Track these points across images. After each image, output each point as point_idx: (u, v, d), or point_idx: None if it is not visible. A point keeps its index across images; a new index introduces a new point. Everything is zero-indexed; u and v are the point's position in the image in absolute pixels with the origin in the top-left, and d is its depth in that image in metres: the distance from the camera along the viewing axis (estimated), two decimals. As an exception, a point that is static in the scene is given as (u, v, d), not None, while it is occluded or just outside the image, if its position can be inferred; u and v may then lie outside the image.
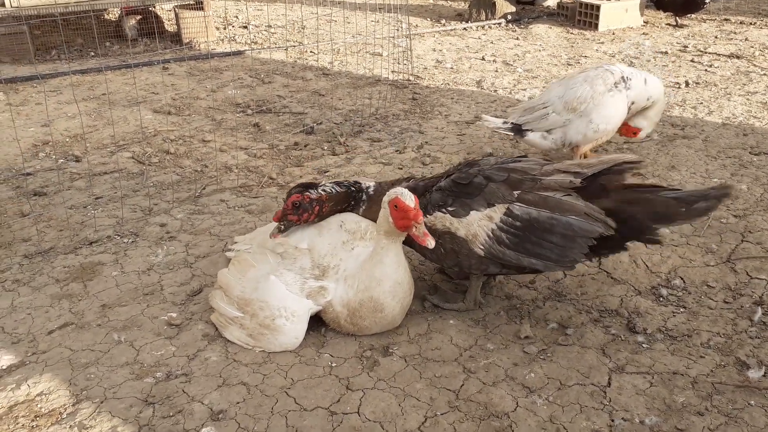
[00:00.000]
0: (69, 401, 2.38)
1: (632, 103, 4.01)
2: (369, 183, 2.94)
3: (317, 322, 2.73)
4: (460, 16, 9.03)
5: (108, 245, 3.44)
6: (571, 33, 8.03)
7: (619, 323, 2.81)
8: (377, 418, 2.30)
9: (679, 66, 6.55)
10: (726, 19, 8.45)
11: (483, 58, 7.00)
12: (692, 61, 6.71)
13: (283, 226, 2.83)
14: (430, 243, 2.44)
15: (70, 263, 3.27)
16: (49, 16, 6.73)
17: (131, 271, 3.20)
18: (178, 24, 7.55)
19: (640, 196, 2.57)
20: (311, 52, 7.30)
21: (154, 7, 7.89)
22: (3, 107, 5.46)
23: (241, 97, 5.77)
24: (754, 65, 6.51)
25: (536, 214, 2.53)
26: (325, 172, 4.26)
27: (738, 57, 6.79)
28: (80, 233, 3.55)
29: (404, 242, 2.66)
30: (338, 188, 2.86)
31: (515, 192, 2.59)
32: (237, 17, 8.92)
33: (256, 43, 7.67)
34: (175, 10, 7.60)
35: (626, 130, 4.23)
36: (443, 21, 8.80)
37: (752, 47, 7.12)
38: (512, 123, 4.10)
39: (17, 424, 2.28)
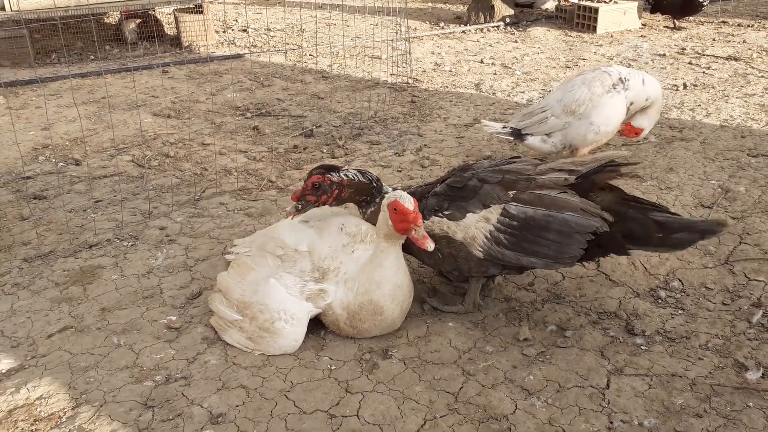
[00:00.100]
0: (68, 405, 2.39)
1: (631, 103, 4.05)
2: (389, 189, 2.93)
3: (316, 324, 2.73)
4: (458, 19, 9.05)
5: (108, 248, 3.44)
6: (570, 36, 8.05)
7: (618, 325, 2.81)
8: (376, 421, 2.31)
9: (677, 68, 6.56)
10: (724, 22, 8.47)
11: (481, 61, 7.01)
12: (690, 63, 6.72)
13: (300, 206, 2.82)
14: (430, 245, 2.45)
15: (69, 267, 3.28)
16: (49, 19, 6.73)
17: (131, 275, 3.20)
18: (177, 27, 7.56)
19: (621, 210, 2.56)
20: (310, 55, 7.32)
21: (154, 10, 7.91)
22: (3, 111, 5.46)
23: (240, 101, 5.78)
24: (752, 67, 6.53)
25: (532, 213, 2.54)
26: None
27: (736, 59, 6.80)
28: (80, 236, 3.56)
29: (402, 248, 2.66)
30: (361, 177, 2.83)
31: (510, 192, 2.59)
32: (236, 21, 8.94)
33: (255, 46, 7.69)
34: (174, 14, 7.61)
35: (628, 130, 4.27)
36: (442, 24, 8.82)
37: (750, 49, 7.14)
38: (512, 127, 4.13)
39: (16, 428, 2.28)
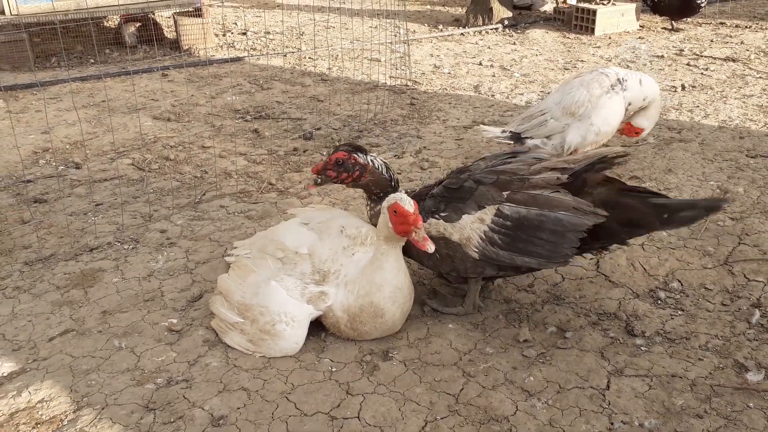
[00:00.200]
0: (70, 408, 2.39)
1: (629, 104, 4.08)
2: (402, 191, 2.93)
3: (317, 326, 2.74)
4: (457, 22, 9.07)
5: (108, 252, 3.45)
6: (568, 38, 8.07)
7: (618, 326, 2.82)
8: (377, 423, 2.31)
9: (675, 70, 6.58)
10: (721, 23, 8.49)
11: (480, 63, 7.03)
12: (688, 64, 6.74)
13: (320, 180, 2.82)
14: (430, 247, 2.46)
15: (70, 270, 3.28)
16: (49, 23, 6.75)
17: (132, 278, 3.21)
18: (177, 31, 7.58)
19: (615, 200, 2.57)
20: (309, 58, 7.33)
21: (154, 14, 7.92)
22: (3, 115, 5.47)
23: (240, 103, 5.79)
24: (750, 68, 6.54)
25: (525, 213, 2.55)
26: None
27: (734, 60, 6.82)
28: (81, 240, 3.56)
29: (402, 251, 2.67)
30: (385, 172, 2.83)
31: (504, 193, 2.61)
32: (236, 24, 8.96)
33: (254, 49, 7.70)
34: (174, 17, 7.63)
35: (628, 130, 4.29)
36: (441, 26, 8.84)
37: (748, 50, 7.16)
38: (511, 131, 4.15)
39: (18, 431, 2.29)
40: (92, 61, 7.25)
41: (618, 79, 4.03)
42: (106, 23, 8.44)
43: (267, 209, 3.89)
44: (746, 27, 8.27)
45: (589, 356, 2.63)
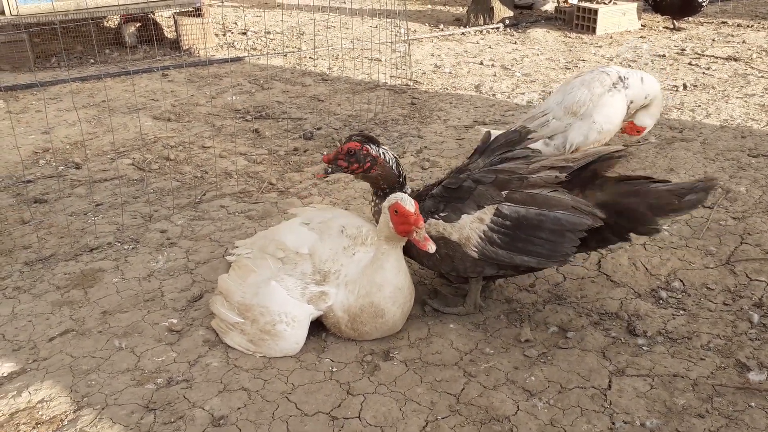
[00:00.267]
0: (70, 408, 2.38)
1: (631, 102, 4.09)
2: (408, 190, 2.93)
3: (317, 326, 2.73)
4: (458, 21, 9.07)
5: (108, 252, 3.44)
6: (569, 37, 8.05)
7: (619, 326, 2.81)
8: (378, 423, 2.30)
9: (677, 69, 6.57)
10: (723, 22, 8.48)
11: (481, 63, 7.02)
12: (690, 64, 6.73)
13: (330, 169, 2.82)
14: (431, 247, 2.45)
15: (70, 270, 3.28)
16: (49, 24, 6.75)
17: (132, 278, 3.20)
18: (177, 31, 7.57)
19: (634, 188, 2.58)
20: (310, 57, 7.33)
21: (153, 14, 7.92)
22: (3, 115, 5.47)
23: (240, 103, 5.79)
24: (752, 68, 6.53)
25: (524, 212, 2.55)
26: (325, 177, 4.27)
27: (735, 60, 6.81)
28: (81, 240, 3.56)
29: (402, 251, 2.66)
30: (395, 166, 2.82)
31: (503, 192, 2.60)
32: (236, 24, 8.96)
33: (255, 49, 7.70)
34: (174, 17, 7.63)
35: (630, 128, 4.30)
36: (441, 26, 8.83)
37: (750, 50, 7.15)
38: None
39: (18, 431, 2.28)
40: (92, 61, 7.24)
41: (619, 78, 4.03)
42: (106, 23, 8.44)
43: (267, 209, 3.88)
44: (748, 26, 8.25)
45: (590, 356, 2.62)
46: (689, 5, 7.86)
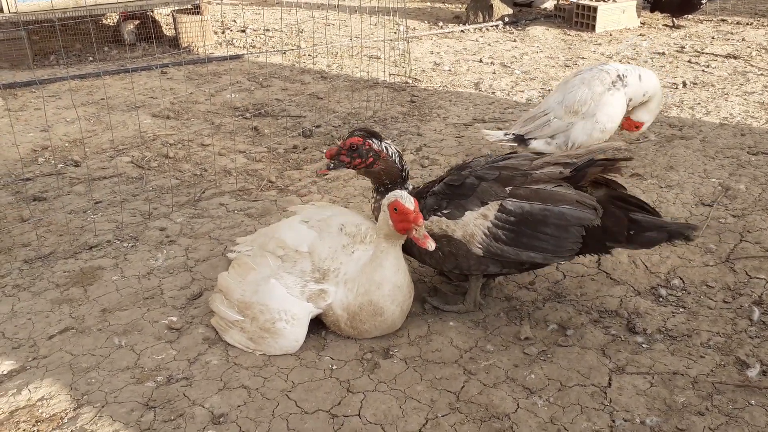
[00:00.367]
0: (70, 406, 2.38)
1: (630, 99, 4.09)
2: (410, 186, 2.92)
3: (317, 324, 2.73)
4: (457, 19, 9.05)
5: (108, 250, 3.44)
6: (569, 35, 8.05)
7: (619, 324, 2.81)
8: (378, 421, 2.30)
9: (677, 67, 6.57)
10: (723, 20, 8.47)
11: (481, 61, 7.01)
12: (689, 61, 6.73)
13: (332, 165, 2.80)
14: (431, 245, 2.45)
15: (70, 268, 3.27)
16: (48, 21, 6.72)
17: (131, 276, 3.20)
18: (176, 28, 7.56)
19: (604, 206, 2.56)
20: (309, 55, 7.31)
21: (152, 11, 7.90)
22: (2, 113, 5.46)
23: (239, 101, 5.78)
24: (751, 65, 6.53)
25: (529, 207, 2.54)
26: (325, 175, 4.27)
27: (735, 57, 6.81)
28: (80, 238, 3.56)
29: (402, 249, 2.66)
30: (398, 161, 2.81)
31: (507, 188, 2.60)
32: (235, 21, 8.94)
33: (254, 46, 7.68)
34: (173, 15, 7.61)
35: (628, 124, 4.30)
36: (441, 23, 8.82)
37: (749, 47, 7.15)
38: (514, 134, 4.13)
39: (18, 429, 2.28)
40: (91, 58, 7.23)
41: (618, 76, 4.04)
42: (104, 21, 8.42)
43: (267, 207, 3.88)
44: (747, 24, 8.25)
45: (590, 354, 2.62)
46: (688, 3, 7.86)
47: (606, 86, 3.99)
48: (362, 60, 7.02)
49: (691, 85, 5.99)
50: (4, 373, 2.56)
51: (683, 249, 3.34)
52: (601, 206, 2.55)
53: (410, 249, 2.77)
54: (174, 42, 7.70)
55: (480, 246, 2.62)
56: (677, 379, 2.48)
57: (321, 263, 2.70)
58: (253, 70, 6.67)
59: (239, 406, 2.38)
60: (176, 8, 7.58)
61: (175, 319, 2.86)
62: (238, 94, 5.98)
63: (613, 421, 2.29)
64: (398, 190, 2.57)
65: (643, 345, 2.68)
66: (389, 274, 2.57)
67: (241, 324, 2.66)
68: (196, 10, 7.54)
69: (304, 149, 4.74)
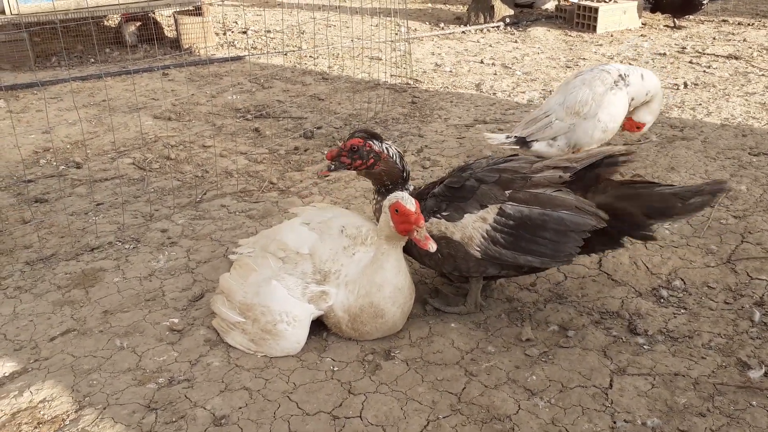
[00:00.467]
0: (72, 408, 2.39)
1: (632, 99, 4.09)
2: (411, 187, 2.93)
3: (318, 326, 2.73)
4: (458, 20, 9.06)
5: (109, 251, 3.45)
6: (570, 35, 8.05)
7: (620, 325, 2.81)
8: (380, 422, 2.31)
9: (678, 67, 6.56)
10: (724, 21, 8.47)
11: (482, 62, 7.01)
12: (691, 62, 6.72)
13: (333, 166, 2.81)
14: (432, 246, 2.45)
15: (71, 270, 3.28)
16: (49, 23, 6.74)
17: (133, 277, 3.20)
18: (177, 30, 7.57)
19: (635, 191, 2.58)
20: (310, 56, 7.32)
21: (154, 13, 7.92)
22: (3, 114, 5.47)
23: (240, 102, 5.78)
24: (753, 66, 6.52)
25: (528, 212, 2.54)
26: (326, 177, 4.27)
27: (736, 58, 6.80)
28: (81, 240, 3.56)
29: (403, 250, 2.66)
30: (399, 162, 2.81)
31: (507, 191, 2.60)
32: (236, 23, 8.95)
33: (255, 48, 7.69)
34: (174, 16, 7.62)
35: (630, 125, 4.29)
36: (442, 25, 8.83)
37: (750, 48, 7.14)
38: (516, 137, 4.12)
39: (20, 431, 2.28)
40: (92, 60, 7.24)
41: (620, 75, 4.03)
42: (106, 22, 8.44)
43: (268, 208, 3.88)
44: (749, 24, 8.24)
45: (591, 355, 2.62)
46: (690, 3, 7.86)
47: (607, 86, 3.98)
48: (363, 61, 7.02)
49: (693, 85, 5.99)
50: (6, 374, 2.56)
51: (684, 250, 3.34)
52: (628, 194, 2.55)
53: (410, 250, 2.77)
54: (175, 43, 7.71)
55: (478, 249, 2.62)
56: (678, 380, 2.48)
57: (322, 265, 2.70)
58: (254, 72, 6.68)
59: (241, 408, 2.38)
60: (178, 10, 7.60)
61: (176, 320, 2.86)
62: (239, 95, 5.99)
63: (615, 422, 2.29)
64: (399, 192, 2.57)
65: (645, 346, 2.68)
66: (390, 275, 2.57)
67: (242, 326, 2.66)
68: (197, 11, 7.55)
69: (306, 150, 4.74)
